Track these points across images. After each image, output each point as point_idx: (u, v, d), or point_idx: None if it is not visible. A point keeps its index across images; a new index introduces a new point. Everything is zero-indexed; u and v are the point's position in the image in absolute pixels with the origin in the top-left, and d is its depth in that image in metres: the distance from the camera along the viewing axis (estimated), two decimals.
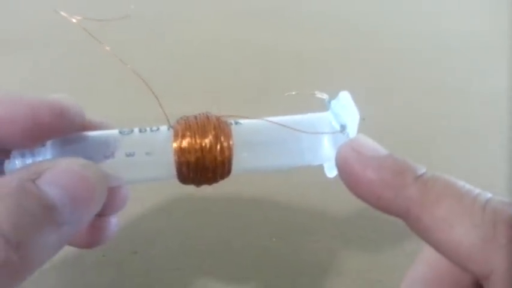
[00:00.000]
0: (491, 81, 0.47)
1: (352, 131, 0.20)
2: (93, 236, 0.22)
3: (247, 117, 0.21)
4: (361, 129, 0.23)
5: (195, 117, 0.20)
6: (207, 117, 0.20)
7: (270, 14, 0.55)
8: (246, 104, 0.42)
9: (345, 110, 0.21)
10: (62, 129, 0.18)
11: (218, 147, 0.19)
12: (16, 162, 0.18)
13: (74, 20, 0.19)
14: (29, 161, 0.19)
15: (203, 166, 0.19)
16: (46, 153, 0.19)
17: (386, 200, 0.18)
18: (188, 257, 0.31)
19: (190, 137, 0.19)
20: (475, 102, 0.45)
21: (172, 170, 0.19)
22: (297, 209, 0.34)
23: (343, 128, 0.21)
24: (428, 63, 0.49)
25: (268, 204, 0.34)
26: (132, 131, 0.20)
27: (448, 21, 0.56)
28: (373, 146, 0.19)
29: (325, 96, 0.22)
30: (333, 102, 0.22)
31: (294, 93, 0.22)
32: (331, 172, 0.22)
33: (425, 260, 0.20)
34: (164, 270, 0.27)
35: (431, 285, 0.20)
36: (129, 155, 0.19)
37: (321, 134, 0.21)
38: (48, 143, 0.19)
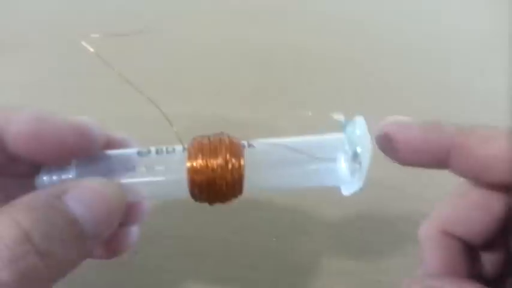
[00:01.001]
0: (492, 81, 0.47)
1: (365, 160, 0.21)
2: (114, 246, 0.24)
3: (261, 138, 0.22)
4: None
5: (208, 138, 0.21)
6: (220, 139, 0.21)
7: (271, 14, 0.55)
8: (247, 103, 0.42)
9: (359, 137, 0.21)
10: (85, 149, 0.20)
11: (229, 167, 0.20)
12: (44, 178, 0.20)
13: (91, 50, 0.21)
14: (55, 177, 0.20)
15: (214, 187, 0.20)
16: (71, 171, 0.20)
17: (431, 140, 0.20)
18: (188, 256, 0.31)
19: (202, 158, 0.20)
20: (475, 102, 0.45)
21: (186, 189, 0.20)
22: (297, 209, 0.34)
23: (355, 155, 0.21)
24: (429, 63, 0.49)
25: (268, 204, 0.34)
26: (149, 151, 0.21)
27: (448, 21, 0.56)
28: (406, 119, 0.21)
29: (341, 118, 0.22)
30: (349, 127, 0.22)
31: (310, 113, 0.23)
32: (347, 191, 0.22)
33: (457, 192, 0.22)
34: (164, 270, 0.27)
35: (464, 210, 0.21)
36: (148, 170, 0.21)
37: (337, 146, 0.22)
38: (73, 162, 0.21)
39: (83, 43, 0.21)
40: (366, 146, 0.20)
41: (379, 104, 0.43)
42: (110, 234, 0.19)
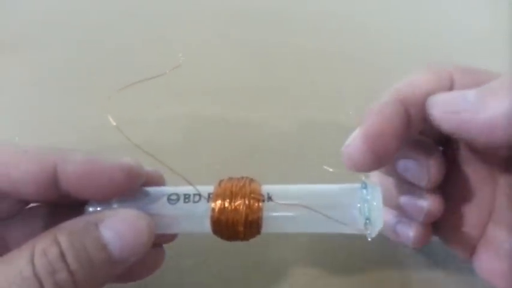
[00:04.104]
0: None
1: (375, 229, 0.23)
2: (141, 267, 0.26)
3: (279, 185, 0.24)
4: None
5: (232, 182, 0.24)
6: (243, 182, 0.24)
7: (271, 14, 0.55)
8: (247, 103, 0.42)
9: (373, 206, 0.23)
10: (129, 187, 0.23)
11: (248, 210, 0.23)
12: (90, 210, 0.23)
13: (114, 123, 0.23)
14: (99, 209, 0.23)
15: (233, 227, 0.23)
16: (114, 204, 0.24)
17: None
18: (187, 256, 0.31)
19: (224, 200, 0.23)
20: None
21: (209, 227, 0.24)
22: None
23: (367, 220, 0.23)
24: (429, 62, 0.49)
25: None
26: (178, 198, 0.24)
27: (448, 20, 0.56)
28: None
29: (362, 177, 0.24)
30: (367, 190, 0.23)
31: (331, 170, 0.25)
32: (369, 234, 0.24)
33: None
34: (163, 270, 0.27)
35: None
36: (177, 208, 0.24)
37: (352, 206, 0.23)
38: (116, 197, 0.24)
39: (109, 117, 0.23)
40: (378, 217, 0.23)
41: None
42: (136, 260, 0.21)
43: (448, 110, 0.21)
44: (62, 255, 0.19)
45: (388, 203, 0.26)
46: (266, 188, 0.24)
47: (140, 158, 0.24)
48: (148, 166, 0.25)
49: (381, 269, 0.31)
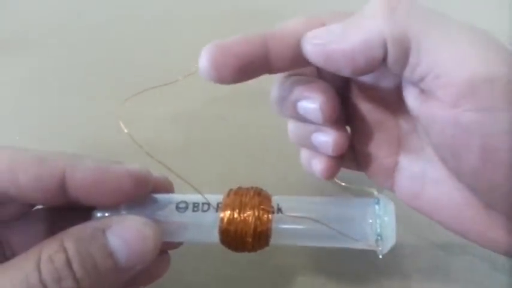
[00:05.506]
0: None
1: (386, 246, 0.23)
2: (146, 274, 0.25)
3: (289, 196, 0.24)
4: None
5: (241, 192, 0.24)
6: (252, 193, 0.23)
7: (271, 14, 0.55)
8: (247, 103, 0.42)
9: (385, 222, 0.23)
10: (138, 194, 0.23)
11: (258, 222, 0.22)
12: (98, 215, 0.23)
13: (125, 130, 0.23)
14: (107, 215, 0.23)
15: (241, 238, 0.23)
16: (122, 211, 0.23)
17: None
18: (187, 258, 0.31)
19: (234, 210, 0.23)
20: None
21: (217, 237, 0.23)
22: None
23: (379, 236, 0.23)
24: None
25: None
26: (187, 207, 0.24)
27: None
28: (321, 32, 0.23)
29: (375, 192, 0.24)
30: (379, 205, 0.23)
31: (343, 184, 0.25)
32: (380, 251, 0.23)
33: None
34: None
35: None
36: (185, 216, 0.24)
37: (363, 221, 0.23)
38: (124, 203, 0.24)
39: (121, 124, 0.23)
40: (390, 234, 0.23)
41: None
42: (143, 268, 0.21)
43: (316, 43, 0.22)
44: (68, 262, 0.19)
45: (303, 143, 0.28)
46: (276, 199, 0.24)
47: (143, 159, 0.23)
48: (153, 169, 0.25)
49: (381, 274, 0.31)
